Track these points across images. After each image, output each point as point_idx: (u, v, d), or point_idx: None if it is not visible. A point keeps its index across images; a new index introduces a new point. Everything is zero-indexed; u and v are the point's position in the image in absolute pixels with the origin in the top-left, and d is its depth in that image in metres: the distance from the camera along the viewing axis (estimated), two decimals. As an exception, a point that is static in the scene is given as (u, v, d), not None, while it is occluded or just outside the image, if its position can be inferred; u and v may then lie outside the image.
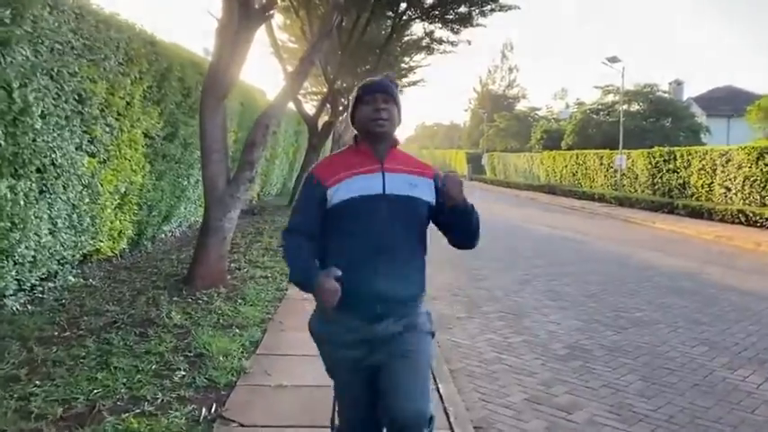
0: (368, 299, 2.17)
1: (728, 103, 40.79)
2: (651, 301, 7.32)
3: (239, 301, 5.91)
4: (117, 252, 7.49)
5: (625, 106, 32.81)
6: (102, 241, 6.87)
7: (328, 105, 18.77)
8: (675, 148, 21.79)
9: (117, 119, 6.55)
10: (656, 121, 31.75)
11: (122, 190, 7.01)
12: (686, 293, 7.79)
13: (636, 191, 23.92)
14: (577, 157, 30.09)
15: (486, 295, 7.49)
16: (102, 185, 6.45)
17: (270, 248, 9.22)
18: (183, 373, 4.05)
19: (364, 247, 2.18)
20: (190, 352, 4.43)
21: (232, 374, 4.09)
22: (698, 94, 42.50)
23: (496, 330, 5.92)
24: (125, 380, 3.85)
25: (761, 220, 14.76)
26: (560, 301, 7.20)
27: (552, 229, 15.17)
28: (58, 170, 5.51)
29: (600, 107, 34.55)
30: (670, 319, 6.48)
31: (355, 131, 2.35)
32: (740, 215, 15.50)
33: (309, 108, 21.18)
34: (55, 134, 5.31)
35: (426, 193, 2.27)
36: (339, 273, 2.10)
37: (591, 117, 34.78)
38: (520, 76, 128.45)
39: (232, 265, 7.63)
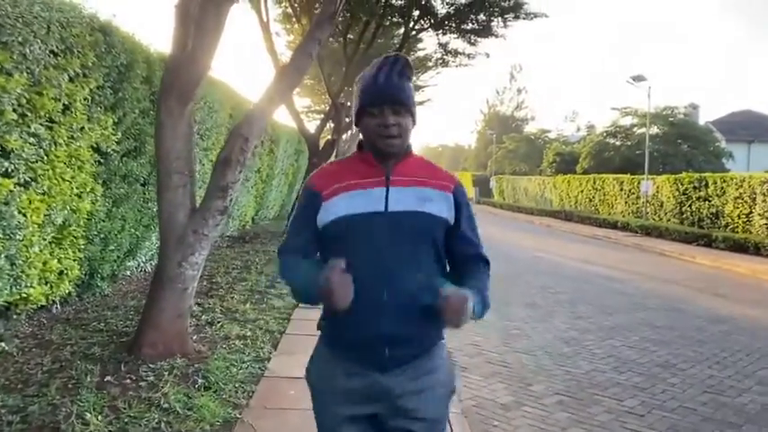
0: (373, 341, 1.77)
1: (747, 128, 39.32)
2: (747, 375, 5.60)
3: (199, 381, 4.20)
4: (57, 299, 5.83)
5: (643, 129, 31.28)
6: (30, 287, 5.20)
7: (331, 122, 17.23)
8: (707, 174, 20.09)
9: (49, 127, 4.92)
10: (678, 146, 30.09)
11: (59, 220, 5.36)
12: (786, 362, 6.07)
13: (661, 219, 22.19)
14: (595, 182, 28.40)
15: (531, 363, 5.77)
16: (25, 215, 4.80)
17: (256, 290, 7.54)
18: None
19: (365, 276, 1.72)
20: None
21: None
22: (715, 119, 40.95)
23: (561, 430, 4.19)
24: None
25: (822, 258, 13.00)
26: (629, 374, 5.48)
27: (583, 264, 13.44)
28: (-57, 196, 3.88)
29: (617, 129, 32.91)
30: (789, 408, 4.76)
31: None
32: (795, 251, 13.74)
33: (312, 127, 19.60)
34: (-67, 144, 3.69)
35: (443, 209, 1.83)
36: (343, 264, 1.66)
37: (607, 140, 33.16)
38: (528, 98, 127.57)
39: (203, 317, 5.95)
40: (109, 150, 6.05)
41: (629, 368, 5.68)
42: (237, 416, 3.72)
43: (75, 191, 5.55)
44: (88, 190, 5.79)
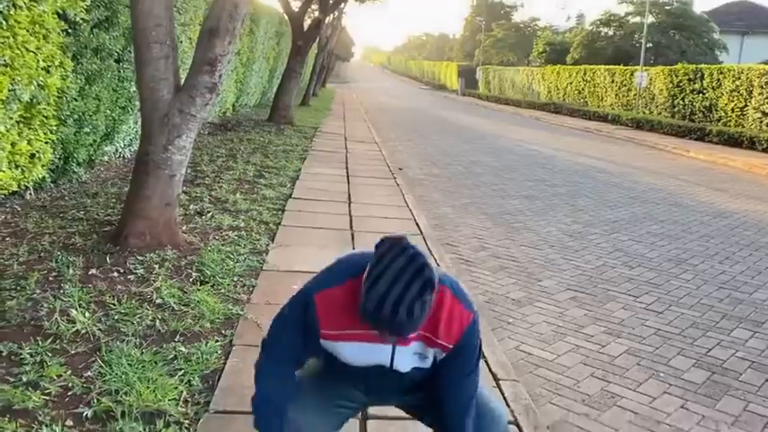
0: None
1: (743, 18, 38.09)
2: (759, 271, 5.44)
3: (194, 275, 3.87)
4: (30, 184, 5.36)
5: (638, 18, 30.13)
6: (-1, 170, 4.72)
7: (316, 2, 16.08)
8: (704, 66, 19.49)
9: (4, -14, 4.23)
10: (673, 36, 29.11)
11: (26, 97, 4.77)
12: (796, 258, 5.92)
13: (651, 112, 21.79)
14: (585, 73, 27.59)
15: (539, 257, 5.53)
16: (-16, 90, 4.23)
17: (245, 179, 7.11)
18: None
19: (357, 389, 1.90)
20: (88, 405, 2.43)
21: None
22: (711, 8, 39.54)
23: (580, 328, 3.99)
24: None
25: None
26: (640, 270, 5.29)
27: (576, 157, 13.13)
28: None
29: (611, 18, 31.62)
30: (807, 306, 4.62)
31: None
32: (792, 146, 13.52)
33: (294, 6, 18.26)
34: None
35: (437, 359, 1.76)
36: None
37: (599, 30, 31.96)
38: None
39: (191, 206, 5.55)
40: (77, 19, 5.35)
41: (639, 263, 5.48)
42: (239, 312, 3.41)
43: (42, 64, 4.92)
44: (57, 64, 5.15)
